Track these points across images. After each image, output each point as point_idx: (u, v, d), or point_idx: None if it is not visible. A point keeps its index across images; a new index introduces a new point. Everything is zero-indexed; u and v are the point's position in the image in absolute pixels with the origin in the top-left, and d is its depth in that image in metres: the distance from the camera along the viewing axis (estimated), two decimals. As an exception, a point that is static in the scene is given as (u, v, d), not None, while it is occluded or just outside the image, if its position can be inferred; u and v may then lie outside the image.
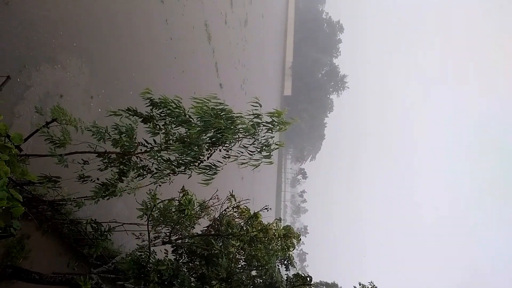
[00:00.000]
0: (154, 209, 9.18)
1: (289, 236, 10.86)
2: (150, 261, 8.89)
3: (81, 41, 13.30)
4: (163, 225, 10.44)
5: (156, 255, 9.29)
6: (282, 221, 11.81)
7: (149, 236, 9.60)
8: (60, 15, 12.24)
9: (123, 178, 8.05)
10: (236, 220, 11.25)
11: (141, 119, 7.71)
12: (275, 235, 10.66)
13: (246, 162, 7.11)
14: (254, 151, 7.13)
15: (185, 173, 7.76)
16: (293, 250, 11.32)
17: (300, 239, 11.48)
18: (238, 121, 7.05)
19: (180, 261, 10.58)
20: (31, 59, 10.70)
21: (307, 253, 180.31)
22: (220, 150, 7.45)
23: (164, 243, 10.57)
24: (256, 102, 7.08)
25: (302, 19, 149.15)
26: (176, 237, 10.84)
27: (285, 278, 11.05)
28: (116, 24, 16.46)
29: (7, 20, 9.96)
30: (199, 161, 7.36)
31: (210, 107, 6.99)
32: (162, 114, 7.44)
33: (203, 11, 30.14)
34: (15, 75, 10.00)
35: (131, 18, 18.03)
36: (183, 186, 10.00)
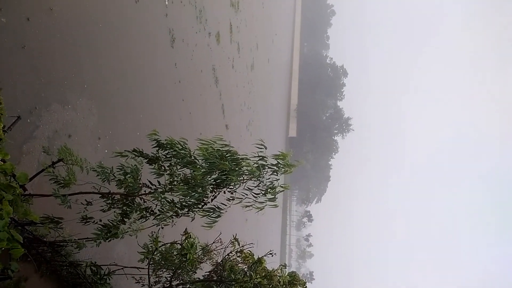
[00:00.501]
0: (155, 253, 8.96)
1: (294, 284, 10.43)
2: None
3: (92, 83, 13.73)
4: (164, 269, 10.13)
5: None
6: (287, 267, 11.41)
7: (149, 280, 9.29)
8: (73, 59, 12.75)
9: (125, 219, 7.95)
10: (239, 265, 10.89)
11: (146, 160, 7.75)
12: (279, 282, 10.25)
13: (251, 205, 7.01)
14: (259, 194, 7.05)
15: (189, 216, 7.64)
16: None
17: (306, 286, 11.01)
18: (243, 163, 7.05)
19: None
20: (42, 99, 11.01)
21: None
22: (224, 192, 7.38)
23: (164, 288, 10.20)
24: (261, 144, 7.11)
25: (306, 63, 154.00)
26: (177, 282, 10.46)
27: None
28: (127, 68, 17.06)
29: (22, 62, 10.38)
30: (203, 203, 7.27)
31: (216, 148, 7.03)
32: (168, 156, 7.48)
33: (211, 56, 31.27)
34: (25, 115, 10.23)
35: (142, 62, 18.72)
36: (186, 229, 9.81)
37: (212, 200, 7.32)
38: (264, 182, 7.10)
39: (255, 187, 7.13)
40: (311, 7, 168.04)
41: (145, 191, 7.75)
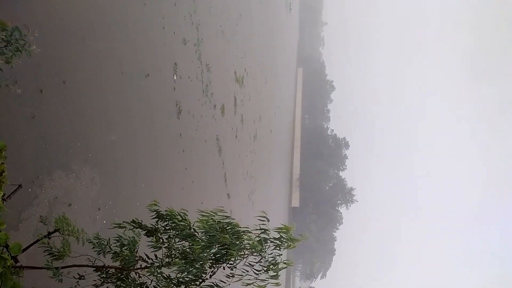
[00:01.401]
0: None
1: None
2: None
3: (97, 152, 13.95)
4: None
5: None
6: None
7: None
8: (81, 128, 13.13)
9: (118, 296, 7.46)
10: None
11: (145, 232, 7.53)
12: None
13: (252, 283, 6.61)
14: (261, 270, 6.69)
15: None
16: None
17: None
18: (245, 237, 6.81)
19: None
20: (46, 167, 11.10)
21: None
22: (224, 268, 7.03)
23: None
24: (264, 217, 6.94)
25: (308, 134, 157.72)
26: None
27: None
28: (132, 138, 17.47)
29: (31, 131, 10.67)
30: (200, 280, 6.88)
31: (216, 220, 6.86)
32: (166, 227, 7.28)
33: (215, 127, 32.20)
34: (27, 185, 10.23)
35: (148, 132, 19.22)
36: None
37: (210, 276, 6.94)
38: (266, 257, 6.79)
39: (256, 262, 6.80)
40: (311, 82, 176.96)
41: (141, 265, 7.40)
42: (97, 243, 7.46)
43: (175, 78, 22.51)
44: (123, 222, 7.45)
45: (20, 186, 7.93)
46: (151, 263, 7.28)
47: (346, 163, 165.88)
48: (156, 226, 7.45)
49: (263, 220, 6.98)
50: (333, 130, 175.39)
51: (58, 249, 7.41)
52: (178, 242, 7.36)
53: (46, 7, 11.47)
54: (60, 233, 7.48)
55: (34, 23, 10.56)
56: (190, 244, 6.89)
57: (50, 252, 7.37)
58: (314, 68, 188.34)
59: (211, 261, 6.89)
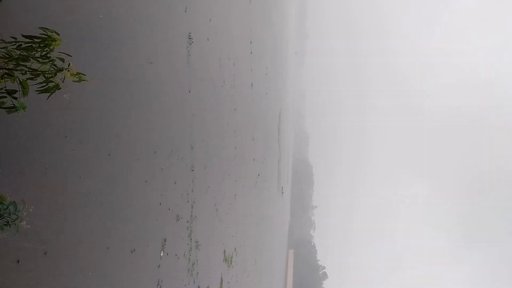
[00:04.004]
0: None
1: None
2: None
3: None
4: None
5: None
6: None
7: None
8: None
9: None
10: None
11: None
12: None
13: None
14: None
15: None
16: None
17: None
18: None
19: None
20: None
21: None
22: None
23: None
24: None
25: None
26: None
27: None
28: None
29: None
30: None
31: None
32: None
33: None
34: None
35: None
36: None
37: None
38: None
39: None
40: (302, 268, 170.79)
41: None
42: None
43: (161, 254, 21.67)
44: None
45: None
46: None
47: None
48: None
49: None
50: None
51: None
52: None
53: (48, 185, 12.01)
54: None
55: (31, 197, 10.85)
56: None
57: None
58: (305, 251, 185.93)
59: None
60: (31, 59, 5.67)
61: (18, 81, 5.65)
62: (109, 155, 15.37)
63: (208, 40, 30.48)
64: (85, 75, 6.33)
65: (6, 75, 5.59)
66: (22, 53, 5.78)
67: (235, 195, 45.21)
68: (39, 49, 5.88)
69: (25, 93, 5.69)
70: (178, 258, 24.45)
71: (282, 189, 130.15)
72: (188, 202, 26.37)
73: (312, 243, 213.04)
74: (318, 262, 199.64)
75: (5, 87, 5.82)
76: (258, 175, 62.62)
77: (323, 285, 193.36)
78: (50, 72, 5.75)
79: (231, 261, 42.22)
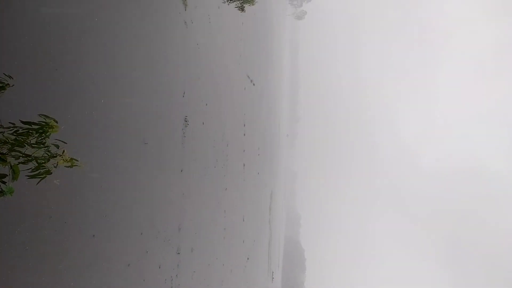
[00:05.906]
0: None
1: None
2: None
3: None
4: None
5: None
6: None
7: None
8: None
9: None
10: None
11: None
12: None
13: None
14: None
15: None
16: None
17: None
18: None
19: None
20: None
21: None
22: None
23: None
24: None
25: None
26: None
27: None
28: None
29: None
30: None
31: None
32: None
33: None
34: None
35: None
36: None
37: None
38: None
39: None
40: None
41: None
42: None
43: None
44: None
45: None
46: None
47: None
48: None
49: None
50: None
51: None
52: None
53: (23, 267, 11.31)
54: None
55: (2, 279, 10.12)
56: None
57: None
58: None
59: None
60: (26, 145, 5.77)
61: (10, 166, 5.67)
62: (94, 236, 14.81)
63: (203, 123, 31.61)
64: (77, 160, 6.40)
65: (-1, 159, 5.63)
66: (17, 138, 5.91)
67: (222, 281, 42.64)
68: (36, 135, 6.03)
69: (15, 178, 5.68)
70: None
71: (273, 274, 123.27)
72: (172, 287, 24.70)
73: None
74: None
75: (-4, 171, 5.81)
76: (248, 258, 59.90)
77: None
78: (43, 158, 5.81)
79: None
